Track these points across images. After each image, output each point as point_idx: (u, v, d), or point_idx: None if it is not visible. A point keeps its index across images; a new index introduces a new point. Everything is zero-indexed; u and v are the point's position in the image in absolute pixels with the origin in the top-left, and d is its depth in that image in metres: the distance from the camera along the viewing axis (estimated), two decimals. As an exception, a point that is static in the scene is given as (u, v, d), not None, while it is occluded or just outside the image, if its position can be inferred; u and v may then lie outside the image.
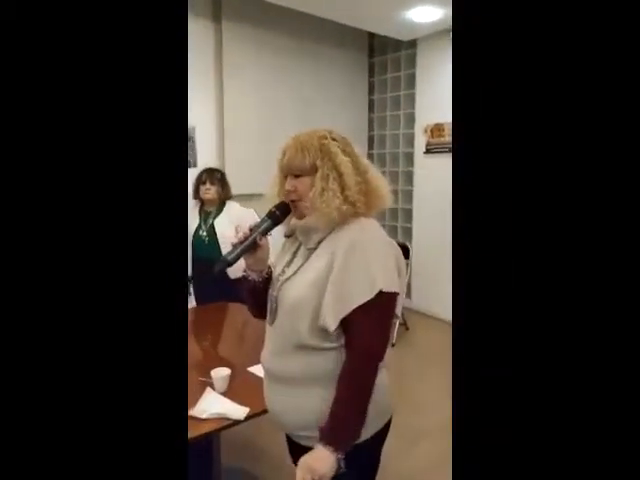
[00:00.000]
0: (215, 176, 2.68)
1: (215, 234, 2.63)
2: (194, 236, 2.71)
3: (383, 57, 4.75)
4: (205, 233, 2.67)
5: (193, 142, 3.68)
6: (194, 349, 2.17)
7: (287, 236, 1.25)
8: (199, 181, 2.69)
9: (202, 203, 2.73)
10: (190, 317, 2.62)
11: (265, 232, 1.16)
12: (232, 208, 2.70)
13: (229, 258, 1.12)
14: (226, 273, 2.41)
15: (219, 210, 2.70)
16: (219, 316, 2.51)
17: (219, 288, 2.56)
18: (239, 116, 3.86)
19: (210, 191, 2.65)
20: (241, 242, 1.14)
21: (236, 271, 1.20)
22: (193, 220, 2.74)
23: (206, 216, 2.71)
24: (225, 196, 2.71)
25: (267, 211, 1.18)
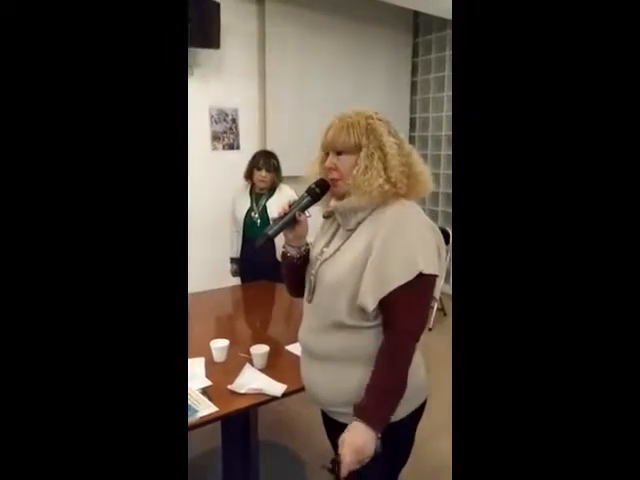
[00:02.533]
0: (272, 164, 2.68)
1: (267, 216, 2.66)
2: (245, 218, 2.74)
3: (428, 37, 4.63)
4: (257, 215, 2.70)
5: (236, 124, 3.72)
6: (236, 325, 2.23)
7: (325, 217, 1.26)
8: (255, 165, 2.69)
9: (253, 184, 2.75)
10: (235, 294, 2.69)
11: (304, 208, 1.17)
12: (285, 191, 2.71)
13: (269, 232, 1.15)
14: (273, 250, 2.44)
15: (271, 192, 2.72)
16: (263, 294, 2.56)
17: (268, 269, 2.56)
18: (281, 97, 3.86)
19: (266, 179, 2.66)
20: (281, 217, 1.16)
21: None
22: (244, 201, 2.76)
23: (258, 198, 2.73)
24: (278, 181, 2.74)
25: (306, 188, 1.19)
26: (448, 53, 4.43)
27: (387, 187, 1.08)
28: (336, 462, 1.05)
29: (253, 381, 1.48)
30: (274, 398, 1.44)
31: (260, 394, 1.44)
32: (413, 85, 4.77)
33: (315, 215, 1.26)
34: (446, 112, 4.51)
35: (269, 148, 3.42)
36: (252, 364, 1.59)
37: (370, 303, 1.06)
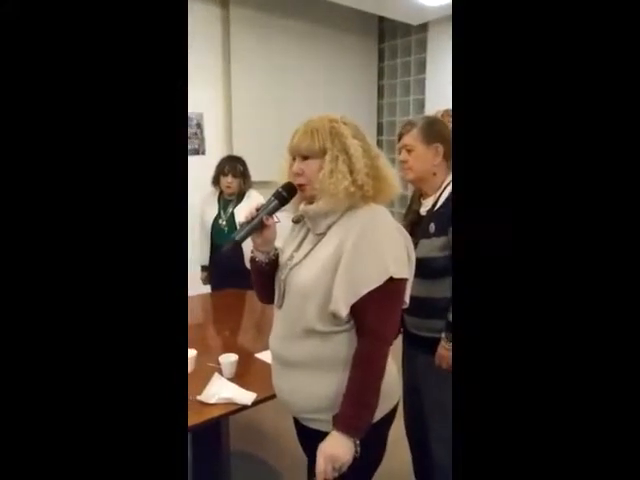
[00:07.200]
0: (238, 169, 2.62)
1: (235, 223, 2.59)
2: (213, 225, 2.67)
3: (393, 42, 4.69)
4: (225, 222, 2.64)
5: (201, 129, 3.67)
6: (205, 334, 2.18)
7: (295, 221, 1.24)
8: (220, 171, 2.63)
9: (221, 190, 2.69)
10: (204, 303, 2.63)
11: (272, 212, 1.15)
12: (253, 197, 2.65)
13: (237, 237, 1.13)
14: (242, 257, 2.38)
15: (239, 199, 2.66)
16: (233, 303, 2.51)
17: (237, 276, 2.46)
18: (248, 102, 3.84)
19: (232, 185, 2.61)
20: (248, 222, 1.14)
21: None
22: (212, 207, 2.70)
23: (225, 204, 2.67)
24: (247, 187, 2.68)
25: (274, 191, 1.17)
26: (413, 57, 4.49)
27: (353, 189, 1.08)
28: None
29: (223, 390, 1.45)
30: (244, 407, 1.41)
31: (230, 403, 1.41)
32: (380, 89, 4.81)
33: (284, 220, 1.24)
34: (412, 116, 4.56)
35: (237, 153, 3.38)
36: (221, 373, 1.56)
37: (342, 308, 1.05)
